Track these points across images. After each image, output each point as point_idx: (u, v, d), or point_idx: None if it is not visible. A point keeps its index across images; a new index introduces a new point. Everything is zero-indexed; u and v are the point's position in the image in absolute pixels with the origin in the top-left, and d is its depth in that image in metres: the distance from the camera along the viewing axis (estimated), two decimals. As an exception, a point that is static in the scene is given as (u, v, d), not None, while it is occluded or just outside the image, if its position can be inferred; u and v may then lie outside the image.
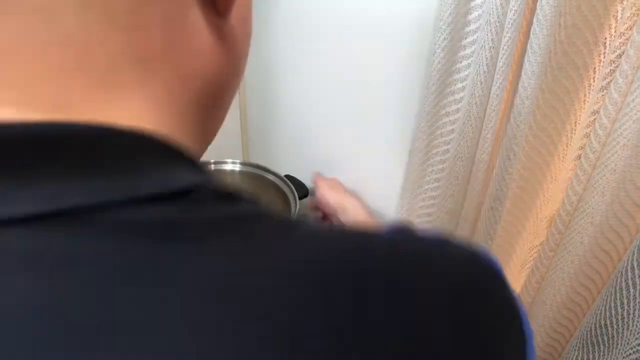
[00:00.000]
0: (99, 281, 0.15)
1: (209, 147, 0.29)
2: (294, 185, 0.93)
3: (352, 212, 0.84)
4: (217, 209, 0.19)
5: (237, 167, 1.03)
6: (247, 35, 0.28)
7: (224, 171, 1.03)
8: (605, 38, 0.57)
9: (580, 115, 0.63)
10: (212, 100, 0.25)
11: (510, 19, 0.60)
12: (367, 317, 0.15)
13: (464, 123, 0.72)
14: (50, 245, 0.15)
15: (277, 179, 0.97)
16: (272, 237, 0.18)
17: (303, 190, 0.98)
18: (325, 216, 0.91)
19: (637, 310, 0.52)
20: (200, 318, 0.14)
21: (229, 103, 0.28)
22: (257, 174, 1.00)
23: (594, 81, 0.60)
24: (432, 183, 0.81)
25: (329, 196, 0.88)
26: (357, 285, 0.16)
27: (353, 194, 0.91)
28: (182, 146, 0.21)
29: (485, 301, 0.18)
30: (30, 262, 0.15)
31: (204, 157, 0.27)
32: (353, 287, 0.16)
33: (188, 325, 0.14)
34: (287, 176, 1.00)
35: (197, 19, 0.22)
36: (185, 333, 0.14)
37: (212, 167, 1.02)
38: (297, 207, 0.88)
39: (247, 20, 0.27)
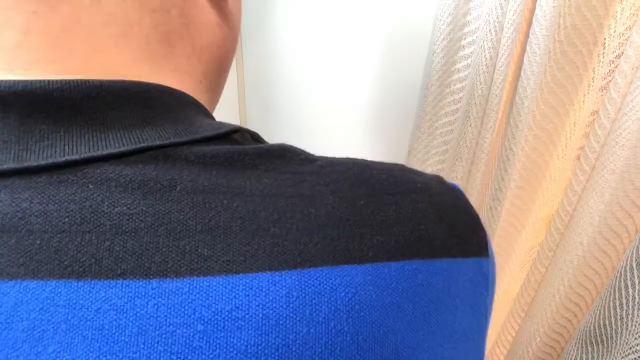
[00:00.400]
0: (190, 196, 0.20)
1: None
2: None
3: None
4: (257, 145, 0.24)
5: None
6: (239, 13, 0.32)
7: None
8: (605, 38, 0.57)
9: (579, 115, 0.63)
10: (218, 69, 0.29)
11: (510, 19, 0.60)
12: (380, 212, 0.22)
13: (463, 123, 0.72)
14: (143, 172, 0.20)
15: None
16: (303, 161, 0.24)
17: None
18: None
19: (636, 311, 0.52)
20: (280, 208, 0.20)
21: (228, 73, 0.33)
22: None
23: (593, 81, 0.60)
24: (432, 183, 0.81)
25: None
26: (369, 191, 0.23)
27: None
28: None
29: (460, 207, 0.25)
30: (130, 185, 0.19)
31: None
32: (367, 192, 0.22)
33: (278, 212, 0.20)
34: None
35: (204, 1, 0.26)
36: (281, 215, 0.20)
37: None
38: None
39: (239, 1, 0.32)
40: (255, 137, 0.26)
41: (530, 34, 0.59)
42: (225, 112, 1.30)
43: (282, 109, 1.17)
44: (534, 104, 0.62)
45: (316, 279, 0.19)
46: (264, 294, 0.18)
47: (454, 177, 0.77)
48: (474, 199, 0.76)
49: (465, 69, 0.70)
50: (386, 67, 0.86)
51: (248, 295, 0.18)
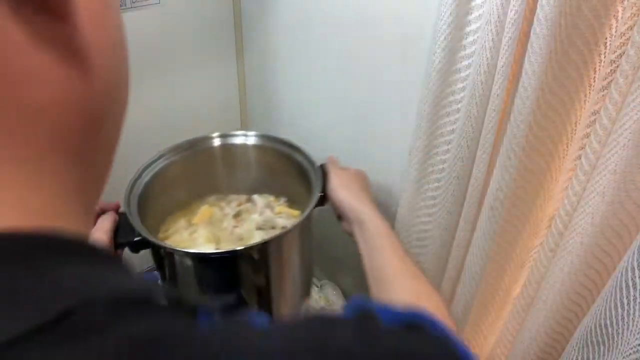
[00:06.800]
0: None
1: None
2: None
3: (370, 227, 0.74)
4: (109, 336, 0.15)
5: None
6: (114, 43, 0.20)
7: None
8: (606, 38, 0.57)
9: (580, 115, 0.63)
10: (80, 135, 0.19)
11: (511, 18, 0.60)
12: None
13: (464, 123, 0.72)
14: None
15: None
16: None
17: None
18: (340, 217, 0.82)
19: (637, 311, 0.52)
20: None
21: (112, 142, 0.21)
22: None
23: (594, 81, 0.60)
24: (433, 183, 0.81)
25: (343, 198, 0.78)
26: None
27: (365, 186, 0.84)
28: (78, 238, 0.17)
29: None
30: None
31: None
32: None
33: None
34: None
35: (21, 37, 0.15)
36: None
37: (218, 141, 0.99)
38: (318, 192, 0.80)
39: (106, 21, 0.19)
40: (129, 305, 0.16)
41: (531, 33, 0.58)
42: (226, 113, 1.30)
43: (283, 109, 1.17)
44: (535, 104, 0.61)
45: None
46: None
47: (455, 177, 0.77)
48: (475, 199, 0.76)
49: (467, 69, 0.70)
50: (386, 66, 0.86)
51: None
